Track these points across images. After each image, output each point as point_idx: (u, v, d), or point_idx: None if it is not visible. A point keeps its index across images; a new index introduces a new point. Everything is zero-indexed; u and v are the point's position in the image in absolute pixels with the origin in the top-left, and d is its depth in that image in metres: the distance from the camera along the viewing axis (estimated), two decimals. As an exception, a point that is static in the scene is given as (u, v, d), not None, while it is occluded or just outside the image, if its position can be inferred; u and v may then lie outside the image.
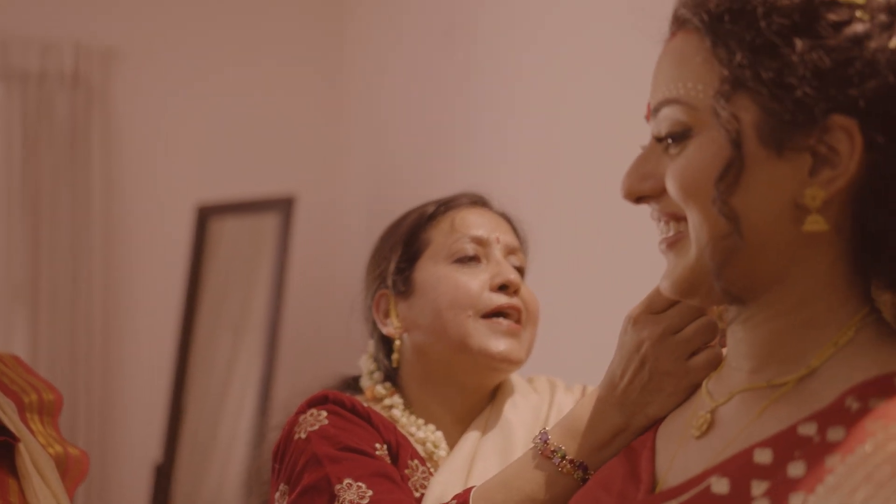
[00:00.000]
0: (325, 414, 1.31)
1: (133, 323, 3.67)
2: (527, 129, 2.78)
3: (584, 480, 1.04)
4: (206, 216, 3.63)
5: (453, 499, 1.08)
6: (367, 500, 1.20)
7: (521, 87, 2.83)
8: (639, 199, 0.93)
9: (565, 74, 2.57)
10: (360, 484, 1.22)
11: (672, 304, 1.02)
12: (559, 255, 2.60)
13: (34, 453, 1.28)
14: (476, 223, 1.46)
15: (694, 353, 1.02)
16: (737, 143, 0.84)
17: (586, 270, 2.49)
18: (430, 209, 1.48)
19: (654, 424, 1.03)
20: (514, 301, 1.41)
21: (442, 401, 1.42)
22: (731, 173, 0.84)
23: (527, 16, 2.80)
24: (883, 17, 0.83)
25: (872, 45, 0.82)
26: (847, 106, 0.82)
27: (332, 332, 3.73)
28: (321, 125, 3.85)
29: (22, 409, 1.33)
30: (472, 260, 1.43)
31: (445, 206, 1.49)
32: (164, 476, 3.49)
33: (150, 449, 3.56)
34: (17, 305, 3.50)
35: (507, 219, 1.52)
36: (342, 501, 1.21)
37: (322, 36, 3.86)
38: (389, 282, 1.46)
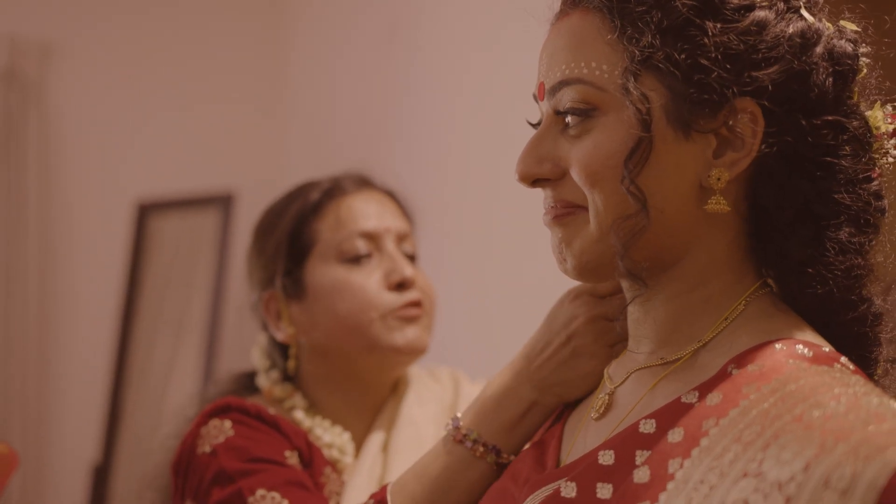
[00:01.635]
0: (229, 424, 1.27)
1: (71, 321, 3.61)
2: (468, 128, 2.80)
3: (498, 463, 1.04)
4: (145, 213, 3.59)
5: (370, 498, 1.07)
6: None
7: (463, 86, 2.84)
8: (534, 182, 0.92)
9: (509, 73, 2.58)
10: (273, 494, 1.19)
11: (615, 291, 1.03)
12: (481, 240, 2.62)
13: None
14: (363, 213, 1.43)
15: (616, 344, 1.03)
16: (647, 123, 0.84)
17: (506, 255, 2.50)
18: (313, 198, 1.43)
19: (563, 411, 1.04)
20: (413, 296, 1.40)
21: (345, 399, 1.41)
22: (640, 154, 0.85)
23: (469, 15, 2.81)
24: (780, 4, 0.86)
25: (775, 30, 0.85)
26: (752, 89, 0.84)
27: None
28: (261, 121, 3.82)
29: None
30: (363, 258, 1.41)
31: (328, 194, 1.44)
32: (102, 477, 3.45)
33: (87, 450, 3.51)
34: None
35: (393, 197, 1.49)
36: None
37: (262, 31, 3.84)
38: (278, 283, 1.42)
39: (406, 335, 1.37)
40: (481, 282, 2.49)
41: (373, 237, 1.42)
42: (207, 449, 1.25)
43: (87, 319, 3.62)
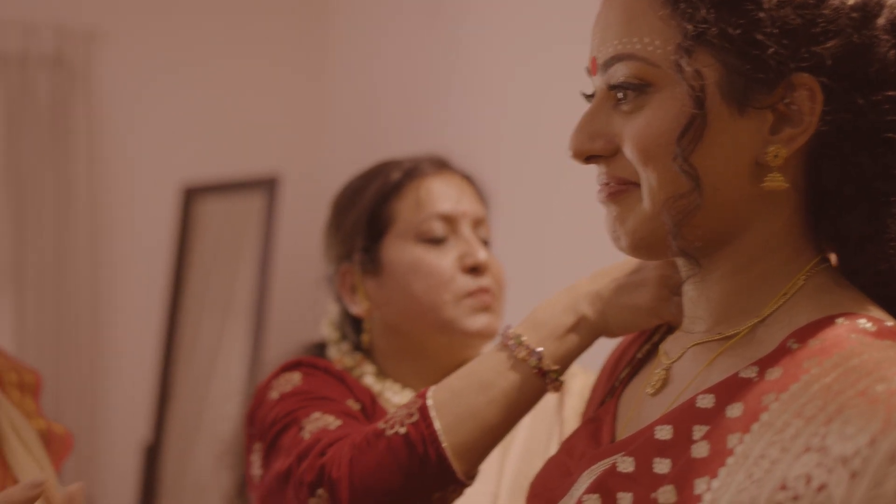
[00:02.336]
0: (298, 376, 1.32)
1: (120, 304, 3.66)
2: (514, 108, 2.79)
3: (539, 368, 1.05)
4: (191, 197, 3.63)
5: (417, 396, 1.09)
6: (333, 427, 1.20)
7: (507, 64, 2.83)
8: (588, 158, 0.91)
9: (551, 47, 2.57)
10: (328, 417, 1.22)
11: None
12: (537, 221, 2.61)
13: (14, 419, 1.30)
14: (442, 195, 1.45)
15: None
16: (700, 101, 0.83)
17: (563, 236, 2.49)
18: (394, 178, 1.45)
19: (616, 387, 1.03)
20: (485, 282, 1.42)
21: (414, 370, 1.43)
22: (694, 131, 0.83)
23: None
24: None
25: (833, 2, 0.83)
26: (810, 64, 0.82)
27: (318, 311, 3.74)
28: (305, 105, 3.84)
29: (2, 383, 1.34)
30: (440, 240, 1.43)
31: (409, 175, 1.46)
32: (153, 456, 3.50)
33: (139, 430, 3.56)
34: (3, 288, 3.49)
35: (471, 181, 1.51)
36: (305, 431, 1.21)
37: (306, 14, 3.85)
38: (355, 259, 1.44)
39: (477, 321, 1.39)
40: (533, 263, 2.48)
41: (450, 220, 1.43)
42: (275, 396, 1.30)
43: (136, 302, 3.67)
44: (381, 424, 1.09)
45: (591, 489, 0.86)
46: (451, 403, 1.06)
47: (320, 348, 1.50)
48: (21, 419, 1.31)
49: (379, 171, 1.48)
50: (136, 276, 3.68)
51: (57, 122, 3.56)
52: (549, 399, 1.42)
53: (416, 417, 1.06)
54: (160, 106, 3.69)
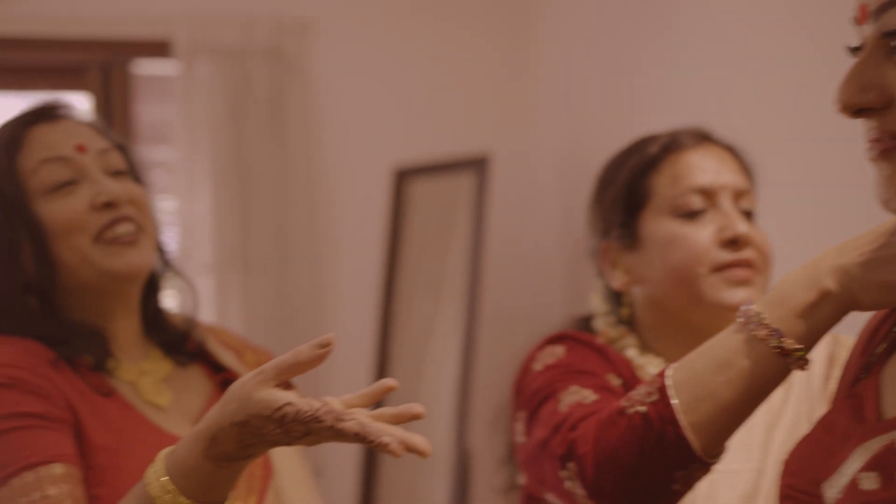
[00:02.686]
0: (561, 349, 1.36)
1: (338, 286, 3.79)
2: (726, 72, 2.68)
3: (780, 348, 0.99)
4: (402, 179, 3.71)
5: (657, 375, 1.08)
6: (589, 401, 1.22)
7: (721, 28, 2.73)
8: (858, 112, 0.85)
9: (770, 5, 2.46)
10: (586, 392, 1.25)
11: None
12: (786, 192, 2.50)
13: None
14: (700, 168, 1.42)
15: None
16: None
17: (813, 204, 2.38)
18: (652, 151, 1.44)
19: (873, 364, 0.97)
20: (744, 255, 1.39)
21: (677, 345, 1.41)
22: None
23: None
24: None
25: None
26: None
27: (531, 289, 3.74)
28: (513, 84, 3.84)
29: (242, 359, 1.42)
30: (698, 213, 1.41)
31: (666, 148, 1.45)
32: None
33: (357, 408, 3.68)
34: (231, 273, 3.69)
35: (734, 152, 1.48)
36: (563, 403, 1.23)
37: (510, -6, 3.85)
38: (613, 234, 1.45)
39: (734, 295, 1.37)
40: (802, 235, 2.38)
41: (708, 193, 1.42)
42: (539, 367, 1.34)
43: (353, 283, 3.79)
44: (623, 402, 1.09)
45: (869, 466, 0.81)
46: (689, 383, 1.04)
47: (586, 321, 1.51)
48: None
49: (637, 146, 1.48)
50: (352, 258, 3.80)
51: (275, 111, 3.71)
52: (816, 373, 1.38)
53: (655, 396, 1.05)
54: (372, 92, 3.79)
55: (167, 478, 0.98)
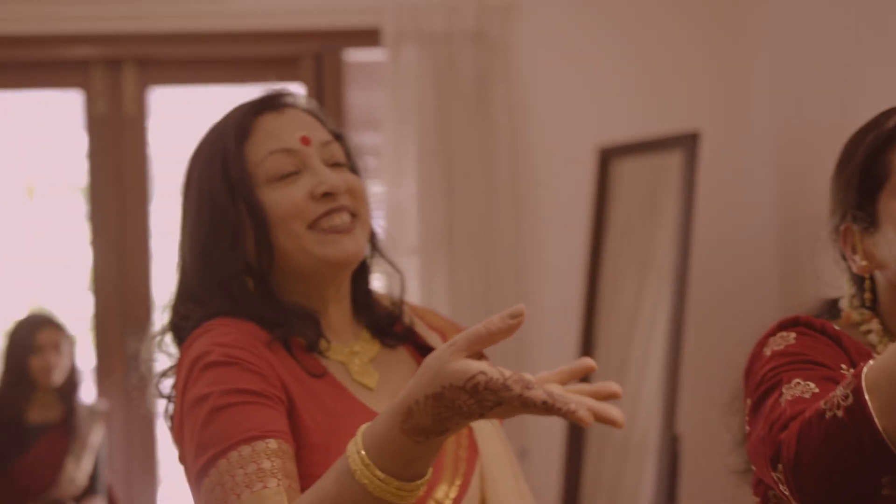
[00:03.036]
0: (793, 335, 1.29)
1: (542, 266, 3.80)
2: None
3: None
4: (607, 157, 3.66)
5: (853, 375, 1.02)
6: (809, 395, 1.16)
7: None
8: None
9: None
10: (809, 384, 1.18)
11: None
12: None
13: None
14: None
15: None
16: None
17: None
18: (888, 127, 1.34)
19: None
20: None
21: None
22: None
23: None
24: None
25: None
26: None
27: (741, 271, 3.62)
28: (723, 55, 3.72)
29: (446, 340, 1.44)
30: None
31: None
32: (577, 414, 3.59)
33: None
34: (438, 253, 3.75)
35: None
36: (783, 396, 1.18)
37: (719, -36, 3.73)
38: (850, 217, 1.37)
39: None
40: None
41: None
42: (768, 353, 1.29)
43: (557, 262, 3.79)
44: (822, 404, 1.04)
45: None
46: (883, 384, 0.99)
47: (832, 304, 1.45)
48: None
49: (875, 121, 1.37)
50: (556, 238, 3.79)
51: (480, 93, 3.75)
52: None
53: (850, 400, 1.01)
54: (575, 71, 3.77)
55: (365, 452, 1.01)
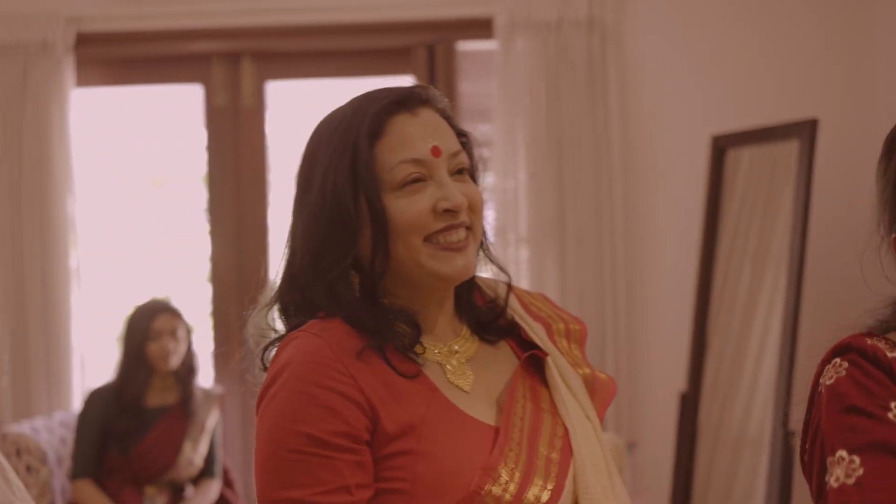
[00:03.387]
0: (845, 365, 1.21)
1: (654, 255, 3.76)
2: None
3: None
4: (722, 146, 3.60)
5: None
6: (853, 481, 1.11)
7: None
8: None
9: None
10: (853, 458, 1.13)
11: None
12: None
13: (562, 368, 1.39)
14: None
15: None
16: None
17: None
18: None
19: None
20: None
21: None
22: None
23: None
24: None
25: None
26: None
27: (859, 263, 3.52)
28: (842, 41, 3.61)
29: (550, 332, 1.44)
30: None
31: None
32: (690, 404, 3.55)
33: (675, 378, 3.64)
34: (548, 242, 3.75)
35: None
36: (830, 477, 1.13)
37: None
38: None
39: None
40: None
41: None
42: (822, 390, 1.22)
43: (669, 252, 3.74)
44: None
45: None
46: None
47: None
48: (567, 367, 1.40)
49: None
50: (669, 227, 3.75)
51: (592, 82, 3.72)
52: None
53: None
54: (688, 58, 3.71)
55: None
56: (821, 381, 1.23)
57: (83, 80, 3.87)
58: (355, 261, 1.32)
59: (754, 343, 3.41)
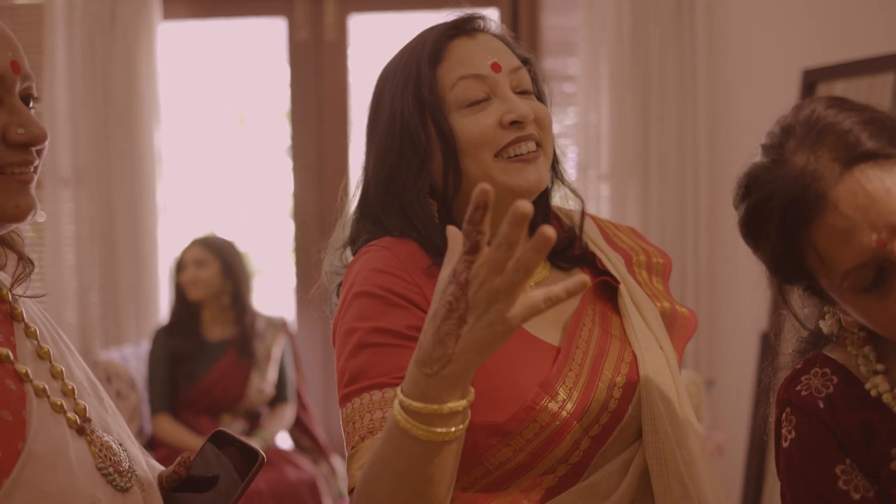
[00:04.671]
0: (794, 422, 1.24)
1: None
2: None
3: None
4: (813, 80, 3.50)
5: None
6: None
7: None
8: None
9: None
10: None
11: None
12: None
13: (636, 298, 1.38)
14: None
15: None
16: None
17: None
18: (806, 195, 1.17)
19: None
20: None
21: None
22: None
23: None
24: None
25: None
26: None
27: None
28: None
29: (630, 263, 1.43)
30: None
31: None
32: (769, 346, 3.51)
33: (756, 318, 3.59)
34: (630, 177, 3.71)
35: None
36: None
37: None
38: (800, 290, 1.28)
39: None
40: None
41: None
42: (784, 443, 1.24)
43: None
44: None
45: None
46: None
47: (816, 339, 1.34)
48: (642, 297, 1.39)
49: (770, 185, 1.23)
50: (755, 165, 3.67)
51: (678, 15, 3.65)
52: None
53: None
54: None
55: (403, 394, 1.10)
56: (782, 431, 1.25)
57: (170, 13, 3.92)
58: (430, 188, 1.34)
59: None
